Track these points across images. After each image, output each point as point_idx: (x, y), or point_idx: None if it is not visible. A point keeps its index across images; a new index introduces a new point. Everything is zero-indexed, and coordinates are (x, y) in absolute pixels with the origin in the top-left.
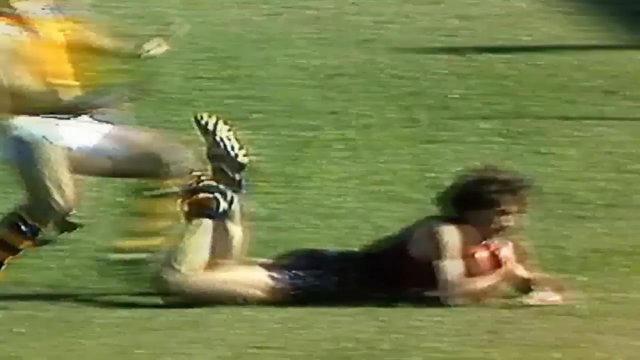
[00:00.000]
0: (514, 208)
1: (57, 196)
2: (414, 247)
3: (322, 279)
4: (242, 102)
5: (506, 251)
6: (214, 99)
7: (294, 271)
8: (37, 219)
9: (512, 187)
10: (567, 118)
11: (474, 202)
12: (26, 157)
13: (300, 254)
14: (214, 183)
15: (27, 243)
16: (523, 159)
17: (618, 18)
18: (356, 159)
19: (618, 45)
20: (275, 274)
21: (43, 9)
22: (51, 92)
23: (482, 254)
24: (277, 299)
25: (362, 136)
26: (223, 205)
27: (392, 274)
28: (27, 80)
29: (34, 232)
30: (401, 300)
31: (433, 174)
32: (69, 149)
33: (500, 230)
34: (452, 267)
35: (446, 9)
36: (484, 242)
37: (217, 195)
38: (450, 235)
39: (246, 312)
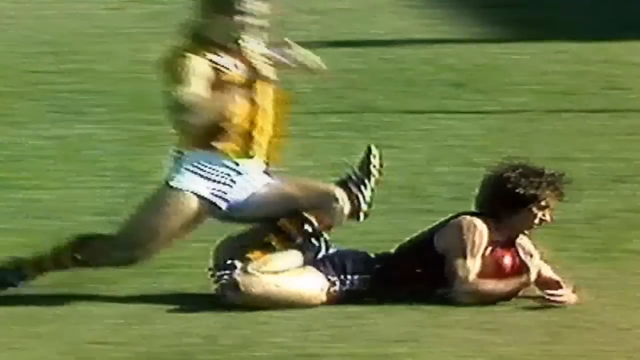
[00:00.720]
0: (553, 202)
1: (156, 244)
2: (439, 241)
3: (368, 281)
4: (82, 96)
5: (531, 250)
6: (53, 93)
7: (343, 275)
8: (107, 252)
9: (551, 180)
10: (416, 112)
11: (515, 200)
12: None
13: (348, 257)
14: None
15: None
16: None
17: (467, 11)
18: None
19: (467, 38)
20: (328, 277)
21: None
22: (244, 137)
23: (507, 258)
24: (330, 302)
25: None
26: (319, 249)
27: (420, 271)
28: (230, 117)
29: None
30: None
31: (281, 168)
32: (219, 208)
33: (538, 225)
34: (470, 266)
35: (294, 2)
36: (511, 246)
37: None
38: (477, 233)
39: (81, 307)
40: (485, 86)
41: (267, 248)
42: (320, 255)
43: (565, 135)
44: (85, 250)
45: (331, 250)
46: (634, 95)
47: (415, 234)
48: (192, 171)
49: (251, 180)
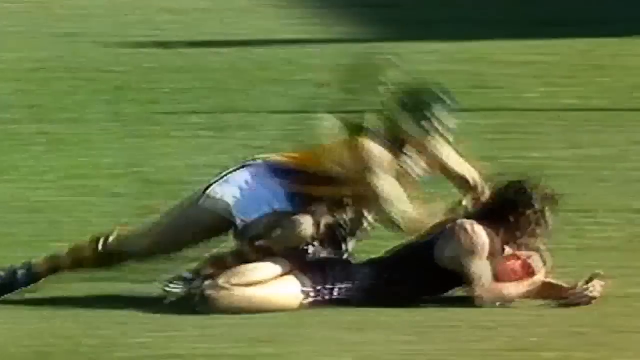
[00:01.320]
0: (548, 211)
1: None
2: (444, 250)
3: (351, 290)
4: None
5: (537, 261)
6: None
7: (322, 285)
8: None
9: (545, 192)
10: (279, 112)
11: (515, 203)
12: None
13: (330, 265)
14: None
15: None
16: (234, 153)
17: (330, 11)
18: (58, 153)
19: (331, 38)
20: (303, 288)
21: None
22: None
23: (514, 261)
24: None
25: (66, 130)
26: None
27: (419, 276)
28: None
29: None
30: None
31: (139, 168)
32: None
33: (535, 230)
34: (483, 267)
35: (154, 2)
36: (514, 252)
37: None
38: (482, 235)
39: None
40: (352, 86)
41: (240, 258)
42: (299, 264)
43: (461, 135)
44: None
45: (314, 258)
46: (502, 94)
47: (405, 242)
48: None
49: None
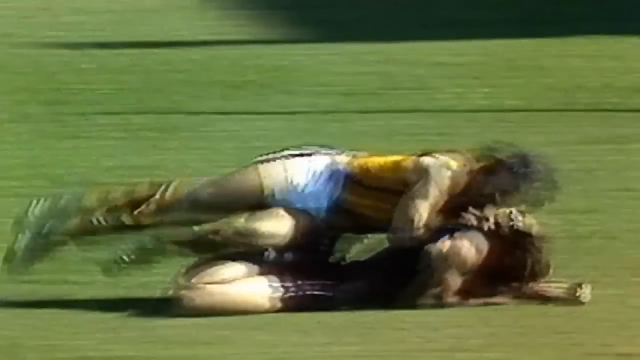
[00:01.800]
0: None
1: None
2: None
3: (327, 288)
4: None
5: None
6: None
7: (297, 280)
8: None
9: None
10: (222, 112)
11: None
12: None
13: (309, 262)
14: None
15: None
16: (145, 155)
17: (273, 12)
18: None
19: (274, 39)
20: (276, 284)
21: None
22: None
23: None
24: (280, 309)
25: None
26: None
27: (404, 278)
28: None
29: None
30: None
31: (47, 169)
32: None
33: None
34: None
35: (62, 3)
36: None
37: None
38: (472, 255)
39: None
40: (293, 87)
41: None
42: (272, 261)
43: (373, 136)
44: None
45: (291, 256)
46: (413, 95)
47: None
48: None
49: None
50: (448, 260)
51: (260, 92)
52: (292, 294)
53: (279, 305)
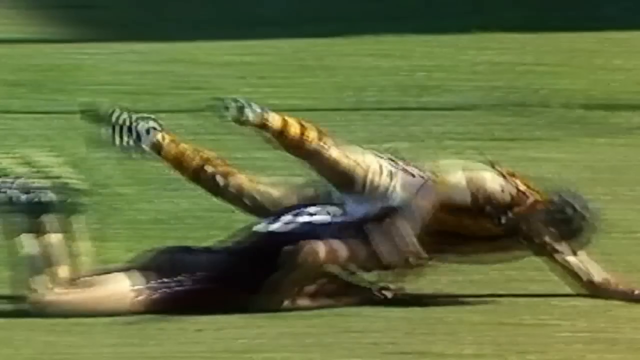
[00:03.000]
0: None
1: None
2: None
3: (186, 282)
4: None
5: None
6: None
7: (159, 279)
8: None
9: None
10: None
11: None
12: None
13: (163, 258)
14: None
15: None
16: None
17: (21, 12)
18: None
19: (47, 39)
20: (138, 284)
21: None
22: None
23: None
24: (142, 309)
25: None
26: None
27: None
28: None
29: None
30: None
31: None
32: None
33: None
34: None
35: None
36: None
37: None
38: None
39: None
40: (66, 87)
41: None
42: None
43: None
44: None
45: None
46: (204, 95)
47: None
48: None
49: None
50: (302, 261)
51: (37, 90)
52: (160, 292)
53: (142, 306)
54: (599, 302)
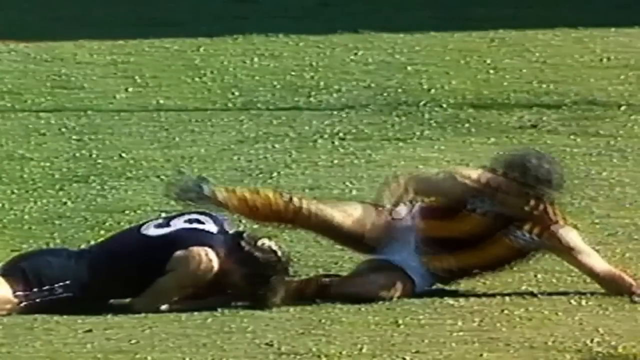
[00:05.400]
0: None
1: None
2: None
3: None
4: None
5: None
6: None
7: (32, 288)
8: None
9: None
10: None
11: None
12: None
13: (44, 265)
14: None
15: None
16: None
17: None
18: None
19: None
20: (18, 292)
21: None
22: None
23: None
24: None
25: None
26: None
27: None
28: None
29: None
30: None
31: None
32: None
33: None
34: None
35: None
36: None
37: None
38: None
39: None
40: None
41: None
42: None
43: (14, 135)
44: None
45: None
46: (87, 94)
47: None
48: None
49: None
50: (184, 266)
51: None
52: (35, 301)
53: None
54: (495, 301)
